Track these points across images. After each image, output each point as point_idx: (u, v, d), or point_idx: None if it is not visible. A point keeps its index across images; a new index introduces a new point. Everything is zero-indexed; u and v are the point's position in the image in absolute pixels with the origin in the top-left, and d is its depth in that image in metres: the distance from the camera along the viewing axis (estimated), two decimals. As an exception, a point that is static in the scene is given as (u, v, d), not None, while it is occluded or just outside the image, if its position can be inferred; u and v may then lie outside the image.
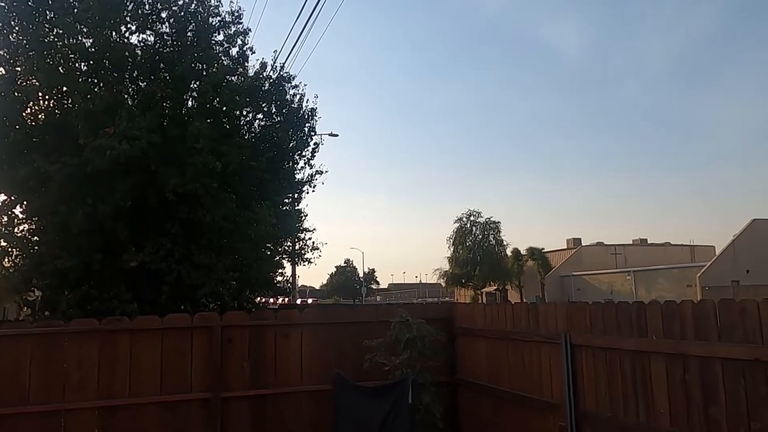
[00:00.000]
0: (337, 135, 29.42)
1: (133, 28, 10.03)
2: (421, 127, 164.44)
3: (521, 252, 57.37)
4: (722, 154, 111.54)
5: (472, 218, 55.04)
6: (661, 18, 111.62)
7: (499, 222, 55.02)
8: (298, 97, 11.91)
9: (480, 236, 54.35)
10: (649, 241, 63.19)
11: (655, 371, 4.81)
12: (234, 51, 11.08)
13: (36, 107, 9.66)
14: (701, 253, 56.33)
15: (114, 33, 9.55)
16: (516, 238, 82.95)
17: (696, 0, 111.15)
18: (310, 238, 16.17)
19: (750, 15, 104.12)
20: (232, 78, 10.57)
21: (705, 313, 4.43)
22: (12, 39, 9.39)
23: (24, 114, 9.45)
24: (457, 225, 55.26)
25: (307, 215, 16.14)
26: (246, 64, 11.32)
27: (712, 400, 4.30)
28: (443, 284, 60.00)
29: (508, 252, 55.93)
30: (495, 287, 56.55)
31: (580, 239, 62.35)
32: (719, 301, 4.37)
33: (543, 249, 58.35)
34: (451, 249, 55.19)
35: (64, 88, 9.32)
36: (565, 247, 62.37)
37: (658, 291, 42.83)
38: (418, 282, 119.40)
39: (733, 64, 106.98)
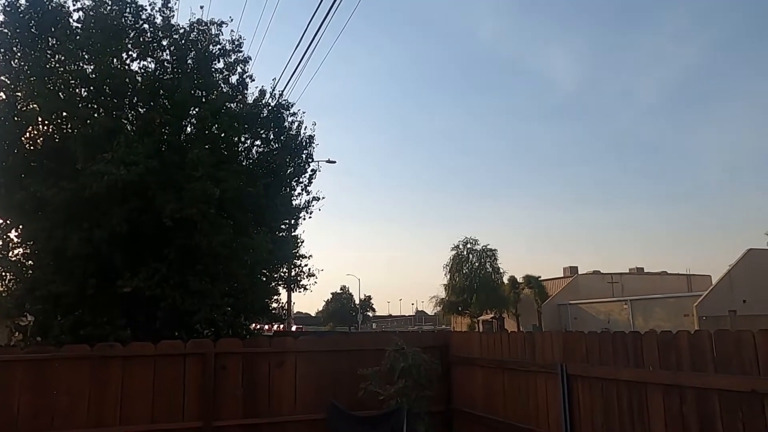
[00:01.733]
0: (334, 162, 29.59)
1: (134, 55, 10.16)
2: (418, 153, 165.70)
3: (518, 280, 57.15)
4: (716, 183, 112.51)
5: (468, 246, 54.97)
6: (651, 50, 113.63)
7: (495, 250, 54.95)
8: (296, 124, 12.01)
9: (476, 264, 54.16)
10: (645, 270, 63.14)
11: (652, 402, 4.77)
12: (234, 78, 11.20)
13: (35, 132, 9.70)
14: (698, 283, 56.24)
15: (115, 60, 9.66)
16: (513, 265, 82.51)
17: (686, 32, 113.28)
18: (306, 265, 16.09)
19: (738, 47, 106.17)
20: (231, 105, 10.66)
21: (701, 344, 4.42)
22: (14, 65, 9.50)
23: (23, 138, 9.50)
24: (453, 252, 55.17)
25: (303, 241, 16.07)
26: (245, 92, 11.44)
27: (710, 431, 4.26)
28: (440, 310, 59.60)
29: (505, 280, 55.72)
30: (492, 315, 56.17)
31: (576, 268, 62.23)
32: (715, 331, 4.37)
33: (540, 277, 58.15)
34: (448, 276, 55.01)
35: (64, 114, 9.39)
36: (562, 275, 62.19)
37: (655, 320, 42.62)
38: (414, 309, 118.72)
39: (724, 95, 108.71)
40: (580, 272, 60.96)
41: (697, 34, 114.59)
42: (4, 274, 9.68)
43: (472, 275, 53.18)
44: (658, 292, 49.67)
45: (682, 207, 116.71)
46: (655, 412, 4.74)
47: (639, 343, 4.99)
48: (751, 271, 40.52)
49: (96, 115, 9.41)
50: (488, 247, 54.90)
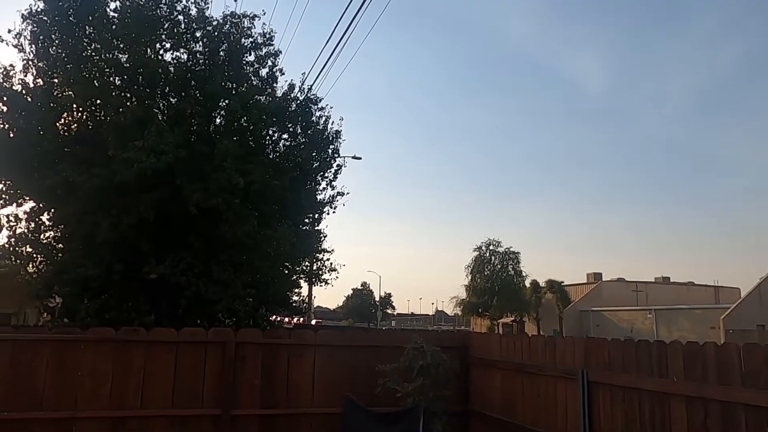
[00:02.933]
0: (360, 158, 29.62)
1: (168, 45, 10.29)
2: (444, 151, 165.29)
3: (540, 284, 56.61)
4: (750, 193, 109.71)
5: (491, 247, 54.65)
6: (683, 54, 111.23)
7: (518, 252, 54.53)
8: (323, 118, 12.03)
9: (499, 266, 53.82)
10: (672, 280, 61.96)
11: (675, 414, 4.68)
12: (264, 72, 11.28)
13: (69, 118, 9.92)
14: (725, 295, 54.98)
15: (149, 50, 9.81)
16: (535, 269, 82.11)
17: (719, 37, 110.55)
18: (328, 259, 16.18)
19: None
20: (261, 98, 10.73)
21: (729, 357, 4.31)
22: (52, 52, 9.71)
23: (57, 124, 9.71)
24: (476, 253, 54.87)
25: (326, 236, 16.17)
26: (275, 85, 11.51)
27: (733, 447, 4.15)
28: (459, 313, 59.37)
29: (527, 283, 55.24)
30: (512, 318, 55.77)
31: (600, 274, 61.40)
32: (744, 345, 4.26)
33: (562, 282, 57.56)
34: (469, 277, 54.75)
35: (98, 101, 9.57)
36: (586, 281, 61.44)
37: (679, 331, 41.80)
38: (434, 309, 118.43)
39: (758, 101, 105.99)
40: (604, 279, 60.11)
41: (727, 41, 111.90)
42: (35, 256, 9.91)
43: (494, 277, 52.87)
44: (684, 303, 48.74)
45: (712, 216, 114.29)
46: (678, 423, 4.64)
47: (663, 353, 4.90)
48: (783, 285, 39.46)
49: (128, 103, 9.57)
50: (511, 249, 54.52)
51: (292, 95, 11.62)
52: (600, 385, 5.54)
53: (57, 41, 9.75)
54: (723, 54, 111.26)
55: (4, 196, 9.63)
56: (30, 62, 9.85)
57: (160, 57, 10.14)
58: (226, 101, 10.19)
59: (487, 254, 54.47)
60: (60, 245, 10.13)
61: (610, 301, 53.69)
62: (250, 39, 10.92)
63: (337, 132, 12.22)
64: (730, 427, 4.20)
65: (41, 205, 9.82)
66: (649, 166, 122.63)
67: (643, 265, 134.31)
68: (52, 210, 9.84)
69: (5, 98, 9.34)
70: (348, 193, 13.22)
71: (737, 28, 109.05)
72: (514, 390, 6.92)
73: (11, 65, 9.72)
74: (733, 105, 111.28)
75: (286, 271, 12.88)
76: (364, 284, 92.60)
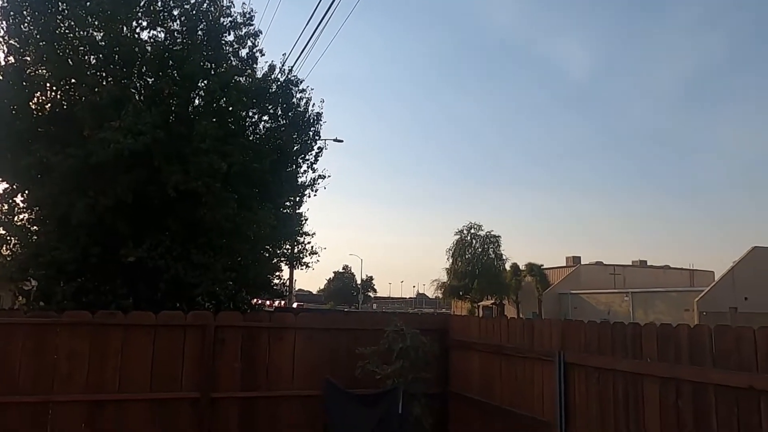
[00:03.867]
0: (341, 141, 29.47)
1: (145, 24, 10.07)
2: (427, 136, 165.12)
3: (520, 267, 57.17)
4: (725, 180, 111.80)
5: (472, 231, 54.89)
6: (669, 43, 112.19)
7: (499, 236, 54.83)
8: (304, 101, 11.92)
9: (479, 249, 54.15)
10: (648, 263, 63.01)
11: (648, 394, 4.77)
12: (243, 52, 11.12)
13: (43, 97, 9.68)
14: (700, 278, 56.13)
15: (125, 28, 9.59)
16: (515, 252, 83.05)
17: (706, 25, 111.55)
18: (309, 242, 16.17)
19: (759, 43, 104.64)
20: (240, 79, 10.58)
21: (701, 338, 4.40)
22: (23, 28, 9.43)
23: (30, 103, 9.47)
24: (457, 237, 55.14)
25: (307, 219, 16.15)
26: (255, 66, 11.35)
27: (704, 427, 4.26)
28: (440, 296, 59.82)
29: (507, 267, 55.75)
30: (492, 301, 56.34)
31: (579, 257, 62.15)
32: (715, 326, 4.34)
33: (542, 265, 58.15)
34: (450, 261, 55.04)
35: (72, 80, 9.35)
36: (564, 264, 62.16)
37: (655, 314, 42.64)
38: (415, 292, 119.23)
39: (739, 92, 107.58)
40: (582, 262, 60.91)
41: (711, 31, 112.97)
42: (9, 238, 9.74)
43: (475, 260, 53.21)
44: (660, 286, 49.66)
45: (689, 201, 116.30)
46: (650, 403, 4.74)
47: (638, 334, 4.98)
48: (755, 268, 40.37)
49: (104, 83, 9.37)
50: (492, 233, 54.89)
51: (273, 76, 11.47)
52: (576, 367, 5.62)
53: (29, 17, 9.47)
54: (707, 44, 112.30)
55: (-25, 177, 9.42)
56: (0, 39, 9.56)
57: (136, 35, 9.92)
58: (205, 81, 10.03)
59: (468, 238, 54.77)
60: (35, 227, 9.96)
61: (588, 284, 54.49)
62: (229, 18, 10.74)
63: (318, 114, 12.13)
64: (701, 406, 4.30)
65: (15, 186, 9.62)
66: (630, 153, 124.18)
67: (621, 249, 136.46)
68: (27, 191, 9.65)
69: (-25, 76, 9.09)
70: (329, 176, 13.18)
71: (722, 16, 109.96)
72: (492, 372, 7.00)
73: (-19, 42, 9.45)
74: (715, 94, 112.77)
75: (267, 255, 12.84)
76: (345, 267, 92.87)
